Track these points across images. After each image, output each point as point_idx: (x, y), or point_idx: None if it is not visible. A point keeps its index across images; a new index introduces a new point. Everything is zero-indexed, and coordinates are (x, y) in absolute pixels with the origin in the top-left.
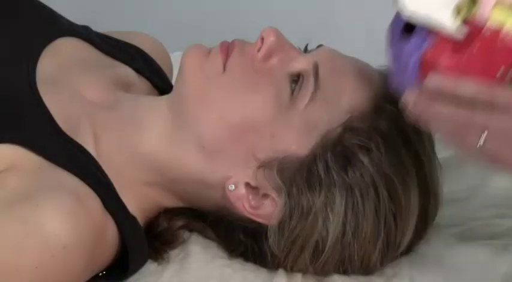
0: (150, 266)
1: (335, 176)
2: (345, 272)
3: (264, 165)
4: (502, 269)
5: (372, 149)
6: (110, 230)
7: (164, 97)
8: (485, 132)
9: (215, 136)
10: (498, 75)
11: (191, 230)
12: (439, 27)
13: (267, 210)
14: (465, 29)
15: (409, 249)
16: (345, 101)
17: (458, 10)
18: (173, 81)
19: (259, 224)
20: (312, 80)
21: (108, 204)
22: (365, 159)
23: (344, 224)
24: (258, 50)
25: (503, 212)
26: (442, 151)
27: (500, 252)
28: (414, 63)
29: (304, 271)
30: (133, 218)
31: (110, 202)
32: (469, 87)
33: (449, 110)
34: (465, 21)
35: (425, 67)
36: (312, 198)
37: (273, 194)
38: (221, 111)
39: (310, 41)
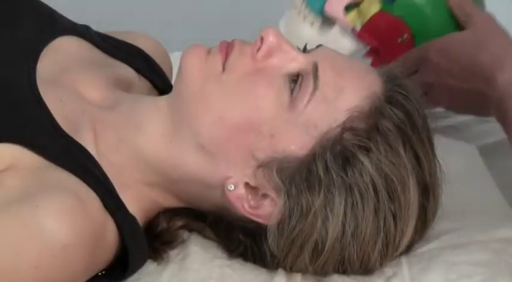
0: (150, 266)
1: (334, 176)
2: (344, 272)
3: (263, 165)
4: (501, 270)
5: (371, 149)
6: (110, 230)
7: (164, 97)
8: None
9: (214, 136)
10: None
11: (191, 230)
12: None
13: (267, 210)
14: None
15: (408, 249)
16: (344, 100)
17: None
18: (173, 81)
19: (258, 224)
20: (311, 79)
21: (108, 204)
22: (364, 159)
23: (343, 224)
24: (258, 50)
25: (503, 211)
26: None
27: (500, 252)
28: None
29: (303, 271)
30: (133, 218)
31: (110, 202)
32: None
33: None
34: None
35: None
36: (312, 198)
37: (273, 194)
38: (220, 111)
39: None
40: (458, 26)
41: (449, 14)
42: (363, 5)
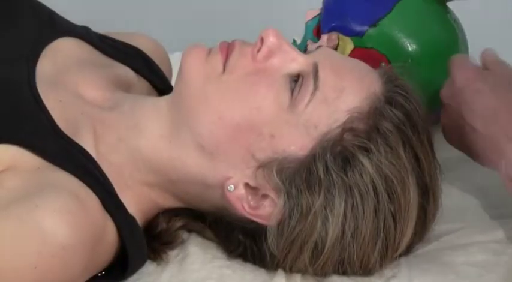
0: (150, 267)
1: (334, 177)
2: (344, 273)
3: (263, 166)
4: (501, 270)
5: (371, 150)
6: (109, 230)
7: (164, 97)
8: None
9: (214, 136)
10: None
11: (190, 231)
12: None
13: (266, 210)
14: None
15: (408, 250)
16: (345, 101)
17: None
18: (173, 82)
19: (258, 225)
20: (311, 80)
21: (107, 204)
22: (364, 160)
23: (343, 225)
24: (258, 51)
25: (502, 212)
26: (442, 151)
27: (500, 253)
28: None
29: (303, 272)
30: (133, 219)
31: (109, 202)
32: None
33: None
34: None
35: None
36: (311, 198)
37: (272, 195)
38: (220, 111)
39: None
40: (429, 40)
41: (415, 30)
42: (339, 49)
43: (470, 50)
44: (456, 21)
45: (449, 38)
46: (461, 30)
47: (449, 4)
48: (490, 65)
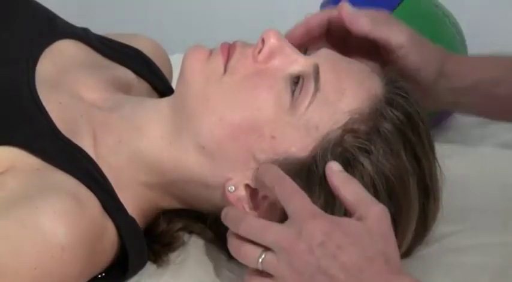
0: (150, 268)
1: None
2: None
3: None
4: (503, 272)
5: (371, 151)
6: (109, 232)
7: (165, 99)
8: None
9: (215, 137)
10: None
11: (191, 232)
12: None
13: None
14: None
15: (409, 252)
16: (345, 102)
17: None
18: (173, 83)
19: None
20: (312, 81)
21: (107, 205)
22: (365, 161)
23: None
24: (259, 52)
25: (504, 213)
26: (443, 152)
27: (502, 255)
28: None
29: None
30: (133, 220)
31: (109, 203)
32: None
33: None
34: None
35: None
36: (312, 200)
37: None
38: (221, 112)
39: None
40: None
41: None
42: None
43: (469, 52)
44: (455, 24)
45: (447, 43)
46: (460, 33)
47: (448, 5)
48: (358, 210)
